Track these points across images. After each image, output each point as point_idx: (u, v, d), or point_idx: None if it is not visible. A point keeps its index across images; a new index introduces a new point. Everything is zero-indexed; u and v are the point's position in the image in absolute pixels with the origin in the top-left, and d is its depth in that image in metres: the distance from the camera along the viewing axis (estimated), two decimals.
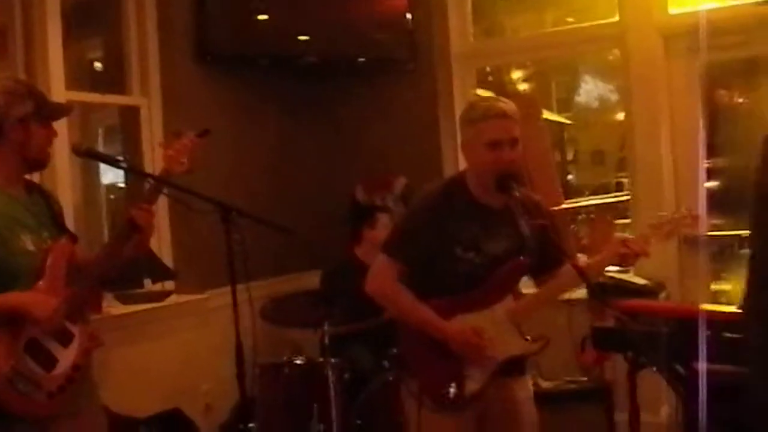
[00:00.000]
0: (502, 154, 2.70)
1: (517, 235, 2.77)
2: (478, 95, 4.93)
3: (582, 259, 4.42)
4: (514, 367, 2.87)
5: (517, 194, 2.66)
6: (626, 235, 2.79)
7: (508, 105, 2.76)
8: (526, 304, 2.83)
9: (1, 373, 2.36)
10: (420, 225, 2.81)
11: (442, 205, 2.80)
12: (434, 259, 2.79)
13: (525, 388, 2.95)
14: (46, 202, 2.70)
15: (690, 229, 2.98)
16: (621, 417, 3.75)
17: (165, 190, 2.79)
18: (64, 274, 2.54)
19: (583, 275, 2.49)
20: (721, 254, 4.67)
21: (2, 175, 2.54)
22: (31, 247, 2.51)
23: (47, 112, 2.64)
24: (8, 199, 2.54)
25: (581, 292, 3.36)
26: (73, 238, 2.68)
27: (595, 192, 9.92)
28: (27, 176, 2.71)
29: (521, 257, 2.79)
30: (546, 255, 2.79)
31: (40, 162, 2.67)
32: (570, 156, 12.85)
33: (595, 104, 11.30)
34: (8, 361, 2.38)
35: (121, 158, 3.36)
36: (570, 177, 12.57)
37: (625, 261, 2.77)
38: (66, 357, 2.52)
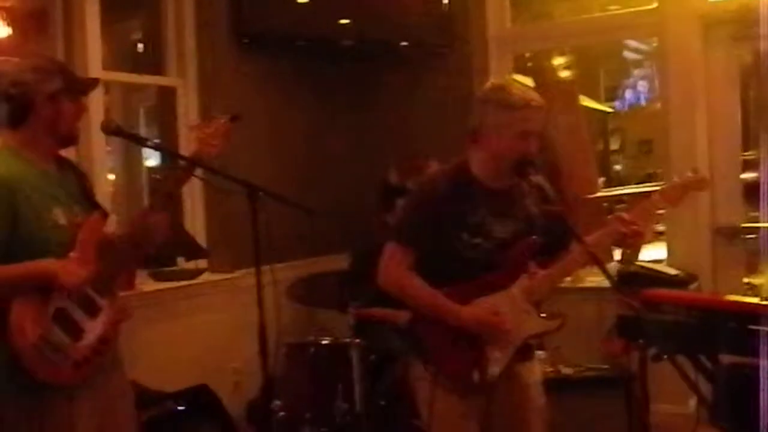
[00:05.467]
0: (529, 145, 2.69)
1: (524, 216, 2.77)
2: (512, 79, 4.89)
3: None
4: (523, 351, 2.87)
5: (533, 179, 2.66)
6: (623, 214, 2.74)
7: (537, 96, 2.75)
8: (541, 282, 2.81)
9: (29, 340, 2.40)
10: (424, 210, 2.81)
11: (446, 191, 2.78)
12: (442, 247, 2.78)
13: (533, 372, 2.96)
14: (77, 177, 2.74)
15: (700, 191, 2.98)
16: None
17: (195, 171, 2.87)
18: (94, 248, 2.55)
19: (596, 261, 2.47)
20: (758, 247, 4.59)
21: (35, 152, 2.58)
22: (63, 221, 2.54)
23: (76, 87, 2.67)
24: (41, 174, 2.58)
25: None
26: (105, 214, 2.71)
27: (641, 182, 9.76)
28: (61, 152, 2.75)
29: (532, 237, 2.79)
30: (553, 237, 2.79)
31: (71, 138, 2.69)
32: (617, 145, 12.68)
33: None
34: (36, 329, 2.41)
35: (147, 138, 3.41)
36: (618, 167, 12.40)
37: (623, 242, 2.76)
38: (93, 328, 2.56)
